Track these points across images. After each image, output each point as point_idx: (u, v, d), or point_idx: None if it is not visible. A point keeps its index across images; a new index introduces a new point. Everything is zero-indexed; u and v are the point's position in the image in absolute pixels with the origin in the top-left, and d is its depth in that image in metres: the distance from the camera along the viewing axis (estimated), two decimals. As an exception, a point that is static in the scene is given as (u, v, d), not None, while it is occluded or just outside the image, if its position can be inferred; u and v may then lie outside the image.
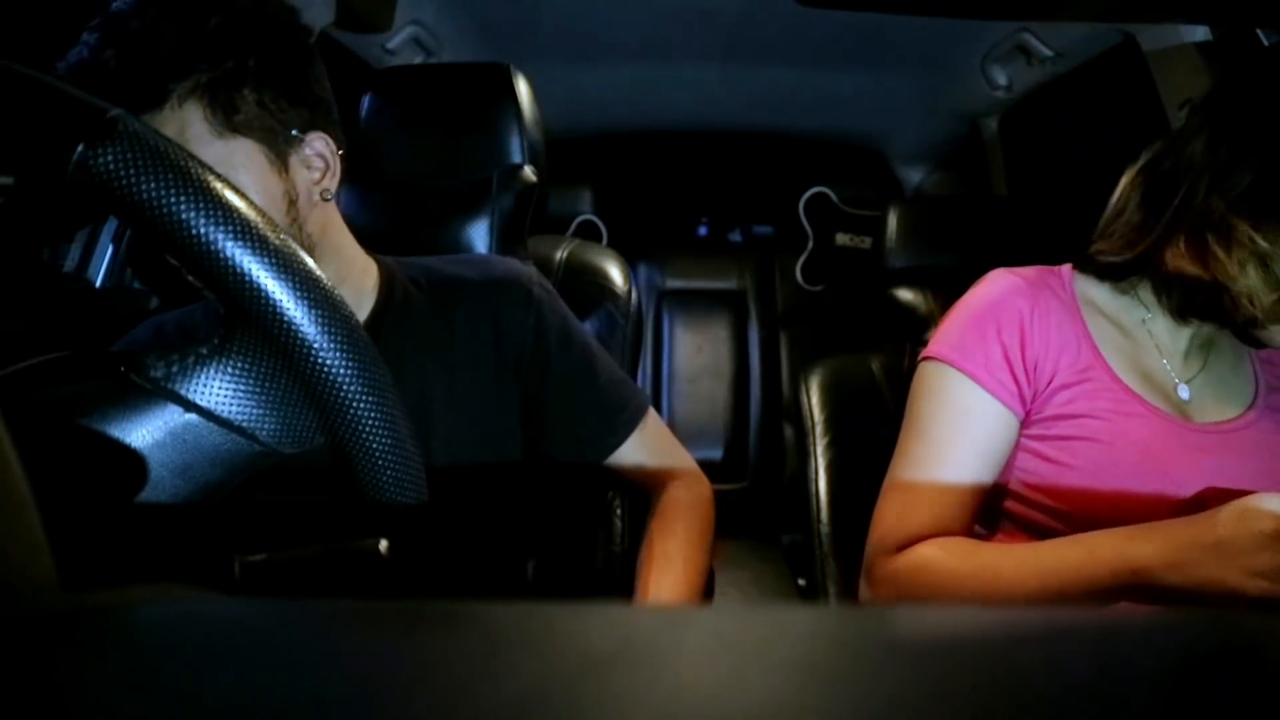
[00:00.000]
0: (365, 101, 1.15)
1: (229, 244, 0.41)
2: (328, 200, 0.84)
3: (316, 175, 0.83)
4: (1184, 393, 0.85)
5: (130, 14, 0.71)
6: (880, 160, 2.58)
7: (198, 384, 0.44)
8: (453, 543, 0.82)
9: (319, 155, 0.83)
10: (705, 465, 1.00)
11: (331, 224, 0.86)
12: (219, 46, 0.74)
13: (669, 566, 0.85)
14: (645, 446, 0.95)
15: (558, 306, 0.95)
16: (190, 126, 0.74)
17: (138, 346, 0.86)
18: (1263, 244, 0.72)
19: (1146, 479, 0.77)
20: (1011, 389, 0.83)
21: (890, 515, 0.84)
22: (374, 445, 0.46)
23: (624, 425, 0.93)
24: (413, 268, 0.95)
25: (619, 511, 1.14)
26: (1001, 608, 0.24)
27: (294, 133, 0.81)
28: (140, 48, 0.70)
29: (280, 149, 0.80)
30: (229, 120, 0.76)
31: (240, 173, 0.77)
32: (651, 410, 0.97)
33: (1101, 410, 0.81)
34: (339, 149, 0.84)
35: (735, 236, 3.03)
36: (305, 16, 0.82)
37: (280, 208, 0.80)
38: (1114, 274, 0.87)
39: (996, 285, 0.89)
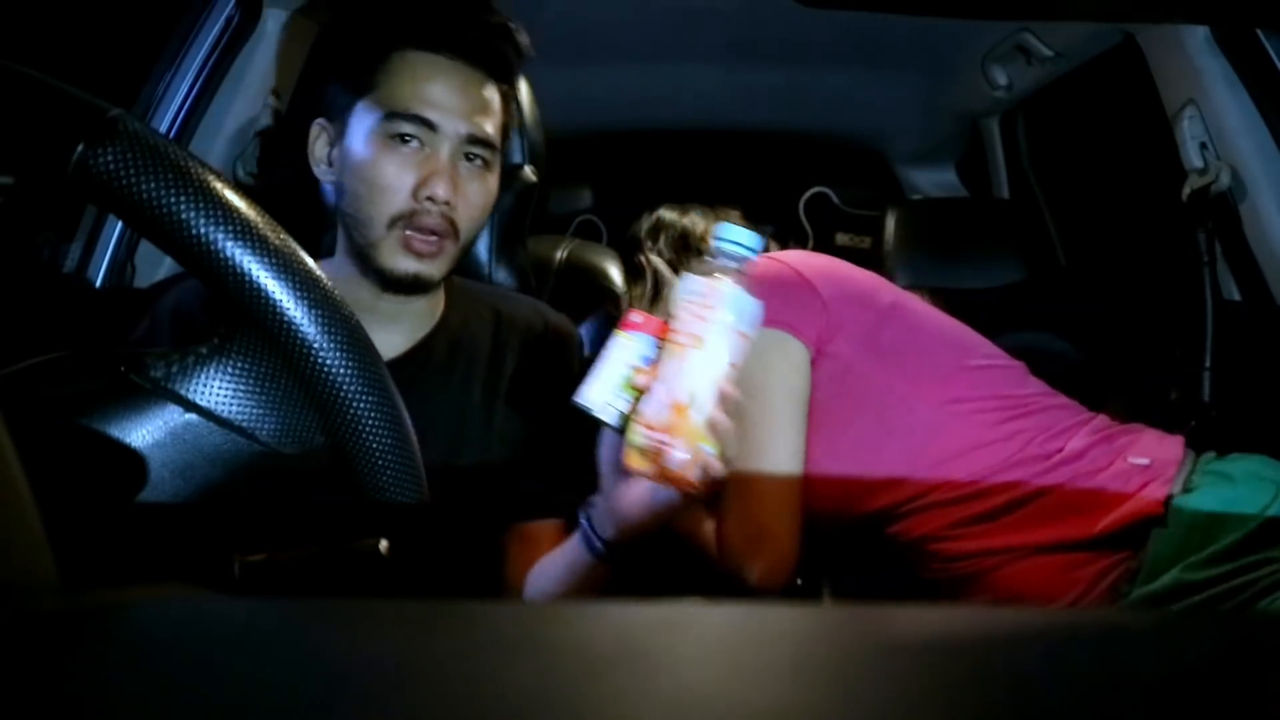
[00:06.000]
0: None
1: (229, 244, 0.41)
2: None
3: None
4: None
5: None
6: (880, 160, 2.58)
7: (198, 384, 0.44)
8: (453, 543, 0.82)
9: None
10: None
11: None
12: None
13: None
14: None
15: (576, 366, 0.94)
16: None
17: (158, 325, 0.87)
18: None
19: None
20: None
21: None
22: (374, 445, 0.46)
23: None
24: (479, 292, 0.97)
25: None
26: (989, 608, 0.24)
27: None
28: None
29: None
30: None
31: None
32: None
33: None
34: None
35: (735, 236, 3.02)
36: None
37: (489, 207, 0.88)
38: None
39: None
